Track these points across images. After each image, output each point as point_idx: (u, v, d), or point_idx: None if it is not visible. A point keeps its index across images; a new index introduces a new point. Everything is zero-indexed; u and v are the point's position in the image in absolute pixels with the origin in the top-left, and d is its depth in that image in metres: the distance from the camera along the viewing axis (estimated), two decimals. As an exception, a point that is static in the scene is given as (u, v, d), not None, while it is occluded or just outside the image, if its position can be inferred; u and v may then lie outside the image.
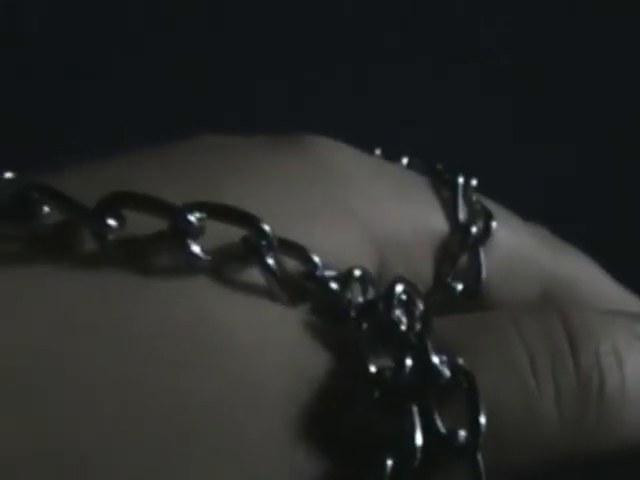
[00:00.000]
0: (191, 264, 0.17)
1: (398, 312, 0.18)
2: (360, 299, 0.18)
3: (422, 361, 0.17)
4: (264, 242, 0.17)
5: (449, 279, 0.21)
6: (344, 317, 0.18)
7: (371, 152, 0.23)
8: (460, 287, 0.20)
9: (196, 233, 0.17)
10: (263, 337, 0.17)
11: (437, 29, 0.46)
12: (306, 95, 0.45)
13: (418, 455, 0.16)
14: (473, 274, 0.20)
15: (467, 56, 0.44)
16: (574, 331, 0.18)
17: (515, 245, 0.21)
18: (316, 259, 0.18)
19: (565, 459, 0.18)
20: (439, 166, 0.22)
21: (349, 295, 0.18)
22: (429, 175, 0.22)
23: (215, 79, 0.46)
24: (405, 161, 0.23)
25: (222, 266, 0.17)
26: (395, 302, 0.18)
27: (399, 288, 0.18)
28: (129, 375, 0.16)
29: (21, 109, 0.46)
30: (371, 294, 0.18)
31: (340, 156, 0.20)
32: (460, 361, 0.17)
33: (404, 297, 0.18)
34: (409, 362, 0.17)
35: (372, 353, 0.17)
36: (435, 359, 0.17)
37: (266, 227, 0.17)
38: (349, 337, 0.17)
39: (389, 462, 0.16)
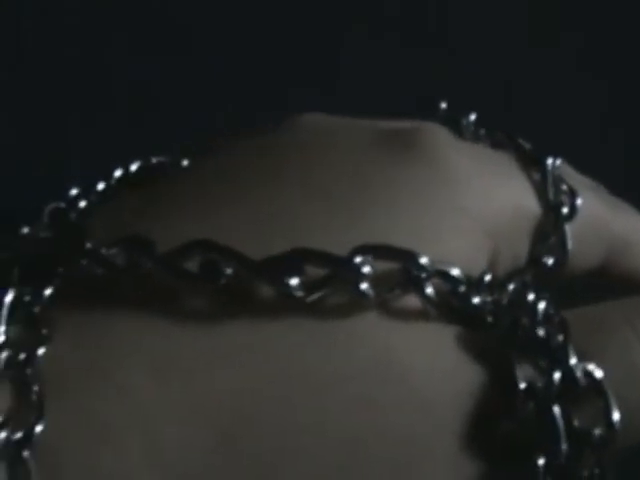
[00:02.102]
0: (360, 303, 0.18)
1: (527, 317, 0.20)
2: (488, 298, 0.20)
3: (564, 369, 0.19)
4: (423, 273, 0.19)
5: (542, 256, 0.22)
6: (482, 324, 0.19)
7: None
8: (551, 262, 0.22)
9: (365, 276, 0.18)
10: (430, 360, 0.19)
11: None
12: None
13: (564, 453, 0.18)
14: (561, 248, 0.22)
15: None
16: None
17: (589, 213, 0.22)
18: (459, 276, 0.19)
19: None
20: (525, 145, 0.23)
21: (483, 302, 0.20)
22: (514, 152, 0.23)
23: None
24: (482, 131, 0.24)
25: (385, 299, 0.19)
26: (539, 318, 0.19)
27: (542, 305, 0.20)
28: (331, 418, 0.18)
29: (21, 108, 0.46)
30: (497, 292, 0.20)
31: (444, 148, 0.21)
32: (591, 367, 0.19)
33: (541, 307, 0.20)
34: (557, 375, 0.19)
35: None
36: (579, 372, 0.19)
37: (425, 261, 0.18)
38: (494, 346, 0.19)
39: (540, 461, 0.18)
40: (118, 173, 0.23)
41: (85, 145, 0.45)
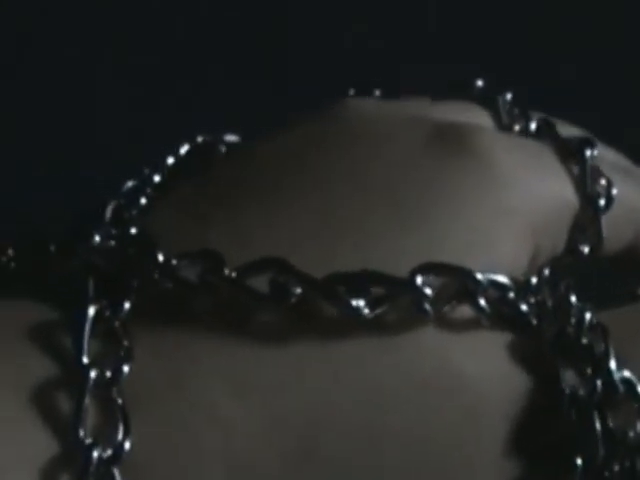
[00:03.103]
0: (420, 317, 0.19)
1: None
2: (532, 300, 0.21)
3: (605, 377, 0.20)
4: (477, 289, 0.20)
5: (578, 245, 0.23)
6: (529, 328, 0.20)
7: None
8: (587, 249, 0.22)
9: (426, 296, 0.19)
10: (483, 369, 0.20)
11: None
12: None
13: (602, 454, 0.20)
14: (596, 238, 0.23)
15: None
16: None
17: (622, 198, 0.23)
18: (508, 284, 0.20)
19: None
20: (562, 133, 0.24)
21: (530, 306, 0.21)
22: (552, 142, 0.23)
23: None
24: (533, 126, 0.25)
25: (442, 312, 0.20)
26: (584, 326, 0.20)
27: (588, 316, 0.21)
28: (397, 426, 0.19)
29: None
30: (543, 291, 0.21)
31: (493, 148, 0.22)
32: (628, 374, 0.20)
33: (587, 317, 0.21)
34: (599, 383, 0.20)
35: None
36: (617, 379, 0.20)
37: (480, 277, 0.19)
38: (540, 352, 0.20)
39: (579, 461, 0.20)
40: (170, 160, 0.23)
41: (85, 143, 0.45)
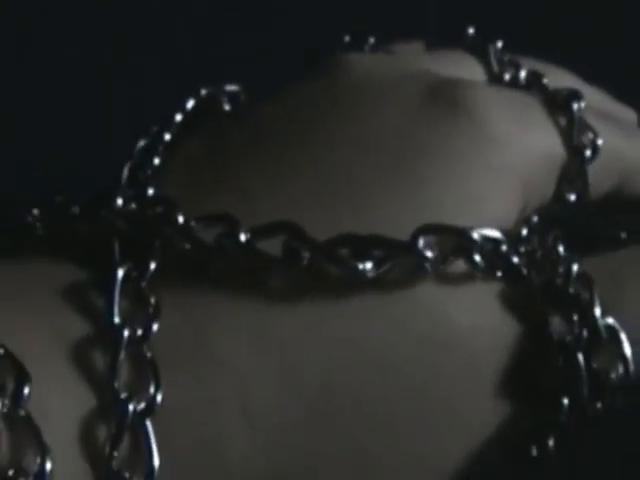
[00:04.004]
0: (420, 275, 0.21)
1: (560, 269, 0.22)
2: (522, 249, 0.22)
3: (590, 323, 0.21)
4: (473, 246, 0.21)
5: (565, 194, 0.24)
6: (519, 279, 0.22)
7: None
8: (573, 197, 0.23)
9: (426, 258, 0.20)
10: (478, 320, 0.21)
11: None
12: None
13: (586, 394, 0.21)
14: (583, 187, 0.23)
15: None
16: None
17: (607, 147, 0.24)
18: (501, 238, 0.21)
19: None
20: (551, 85, 0.24)
21: (520, 257, 0.22)
22: (541, 94, 0.24)
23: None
24: (523, 74, 0.25)
25: (439, 268, 0.21)
26: (572, 278, 0.22)
27: (575, 267, 0.22)
28: (401, 376, 0.20)
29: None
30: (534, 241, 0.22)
31: (486, 105, 0.22)
32: (611, 320, 0.21)
33: (574, 268, 0.22)
34: (585, 333, 0.21)
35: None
36: (601, 325, 0.21)
37: (476, 236, 0.21)
38: (530, 301, 0.21)
39: (565, 400, 0.21)
40: (178, 117, 0.24)
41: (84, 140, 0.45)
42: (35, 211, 0.22)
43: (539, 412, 0.22)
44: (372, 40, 0.26)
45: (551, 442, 0.22)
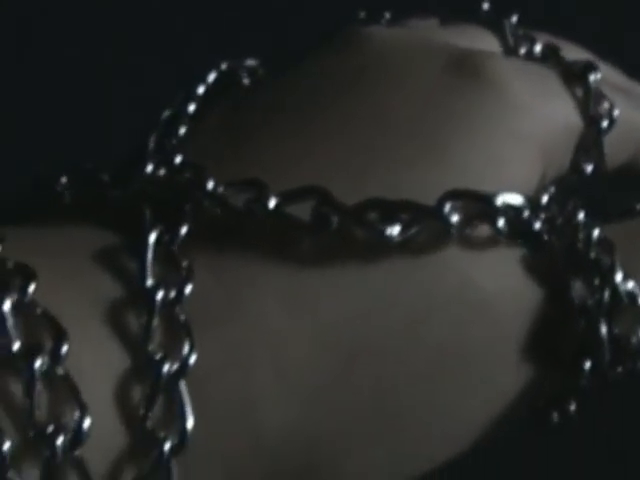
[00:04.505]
0: (445, 239, 0.21)
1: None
2: (542, 216, 0.22)
3: (611, 288, 0.22)
4: (497, 211, 0.21)
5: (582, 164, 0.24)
6: (541, 245, 0.22)
7: None
8: (590, 168, 0.24)
9: (451, 223, 0.21)
10: (501, 284, 0.21)
11: None
12: None
13: (607, 358, 0.21)
14: (599, 157, 0.24)
15: None
16: None
17: (623, 118, 0.24)
18: (523, 204, 0.21)
19: None
20: (566, 57, 0.25)
21: (542, 223, 0.22)
22: (557, 66, 0.25)
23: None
24: (538, 49, 0.26)
25: (464, 232, 0.21)
26: (593, 243, 0.22)
27: (596, 233, 0.22)
28: (426, 336, 0.21)
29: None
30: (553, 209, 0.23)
31: (506, 75, 0.23)
32: (631, 285, 0.22)
33: (595, 233, 0.22)
34: (606, 294, 0.21)
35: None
36: (622, 290, 0.22)
37: (500, 202, 0.21)
38: (552, 266, 0.22)
39: (586, 365, 0.22)
40: (201, 89, 0.24)
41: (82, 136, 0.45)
42: (63, 180, 0.22)
43: (561, 376, 0.22)
44: (388, 15, 0.26)
45: (572, 407, 0.23)
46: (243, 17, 0.48)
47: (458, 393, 0.21)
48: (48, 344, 0.18)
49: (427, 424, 0.21)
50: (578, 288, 0.22)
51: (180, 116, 0.23)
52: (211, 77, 0.25)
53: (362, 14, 0.26)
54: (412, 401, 0.21)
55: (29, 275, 0.19)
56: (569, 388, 0.22)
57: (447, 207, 0.21)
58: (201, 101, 0.24)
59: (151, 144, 0.22)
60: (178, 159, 0.21)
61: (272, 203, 0.20)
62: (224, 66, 0.25)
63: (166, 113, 0.23)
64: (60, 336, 0.18)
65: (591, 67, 0.24)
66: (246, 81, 0.25)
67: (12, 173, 0.44)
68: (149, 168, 0.21)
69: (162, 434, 0.19)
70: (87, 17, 0.48)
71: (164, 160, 0.21)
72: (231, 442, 0.20)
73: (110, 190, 0.21)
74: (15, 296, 0.18)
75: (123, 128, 0.44)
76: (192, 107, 0.24)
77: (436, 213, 0.21)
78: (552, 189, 0.23)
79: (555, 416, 0.23)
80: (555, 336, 0.22)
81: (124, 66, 0.47)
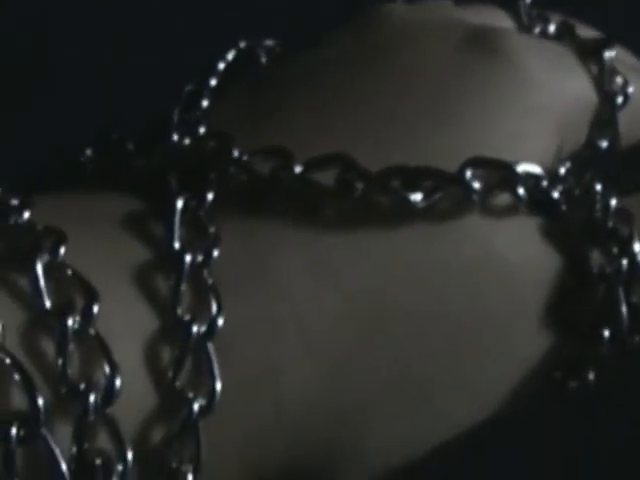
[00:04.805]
0: (466, 206, 0.21)
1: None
2: (560, 187, 0.22)
3: (629, 256, 0.22)
4: (517, 179, 0.21)
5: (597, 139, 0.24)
6: (559, 215, 0.22)
7: None
8: (605, 144, 0.24)
9: (473, 189, 0.21)
10: (521, 252, 0.22)
11: None
12: None
13: (625, 326, 0.22)
14: (614, 133, 0.24)
15: None
16: None
17: (637, 94, 0.25)
18: (542, 174, 0.22)
19: None
20: (580, 35, 0.25)
21: (560, 193, 0.22)
22: (572, 43, 0.25)
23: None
24: (551, 28, 0.26)
25: (485, 200, 0.21)
26: (611, 213, 0.22)
27: (613, 203, 0.22)
28: (448, 303, 0.21)
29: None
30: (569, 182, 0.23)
31: (522, 51, 0.23)
32: None
33: (613, 203, 0.22)
34: (625, 262, 0.22)
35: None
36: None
37: (519, 169, 0.21)
38: (570, 235, 0.22)
39: (605, 333, 0.22)
40: (221, 66, 0.25)
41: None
42: (88, 151, 0.22)
43: (579, 345, 0.22)
44: None
45: (591, 376, 0.23)
46: (243, 17, 0.48)
47: (478, 364, 0.21)
48: (79, 304, 0.19)
49: (448, 395, 0.21)
50: (596, 257, 0.22)
51: (202, 90, 0.24)
52: (230, 55, 0.25)
53: None
54: (433, 372, 0.21)
55: (60, 237, 0.19)
56: (588, 357, 0.23)
57: (468, 174, 0.21)
58: (222, 76, 0.24)
59: (175, 116, 0.23)
60: (202, 129, 0.22)
61: (297, 170, 0.21)
62: (243, 44, 0.26)
63: (188, 87, 0.24)
64: (91, 296, 0.19)
65: (605, 44, 0.25)
66: (264, 59, 0.26)
67: (12, 174, 0.44)
68: (175, 137, 0.22)
69: (191, 394, 0.19)
70: (87, 17, 0.48)
71: (189, 130, 0.22)
72: (253, 409, 0.20)
73: (135, 159, 0.22)
74: (46, 257, 0.19)
75: (123, 128, 0.44)
76: (213, 82, 0.24)
77: (458, 180, 0.21)
78: (568, 163, 0.23)
79: (574, 384, 0.23)
80: (573, 305, 0.22)
81: (124, 66, 0.47)
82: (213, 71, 0.24)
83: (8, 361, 0.18)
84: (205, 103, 0.23)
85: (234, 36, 0.46)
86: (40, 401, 0.17)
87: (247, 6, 0.48)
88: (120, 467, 0.18)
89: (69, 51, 0.47)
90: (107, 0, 0.48)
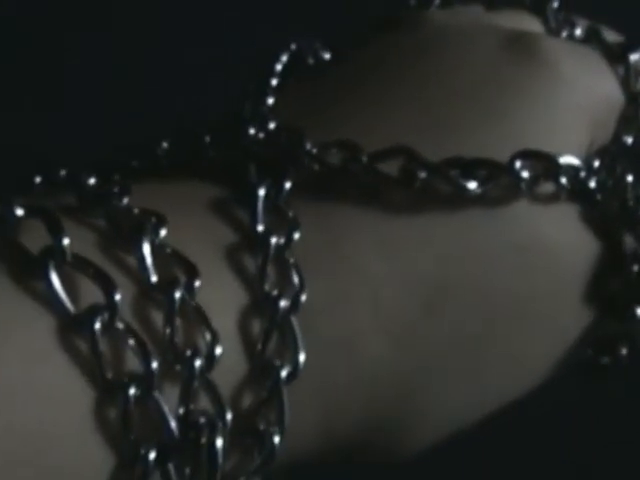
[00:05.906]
0: (516, 193, 0.24)
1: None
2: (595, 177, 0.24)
3: None
4: (560, 170, 0.24)
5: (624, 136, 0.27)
6: (596, 203, 0.24)
7: None
8: (630, 140, 0.26)
9: (523, 178, 0.23)
10: (564, 236, 0.24)
11: None
12: None
13: None
14: (638, 131, 0.26)
15: None
16: None
17: None
18: (580, 165, 0.24)
19: None
20: (608, 39, 0.28)
21: (595, 183, 0.24)
22: (599, 46, 0.27)
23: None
24: (578, 32, 0.29)
25: (532, 188, 0.24)
26: None
27: None
28: (501, 282, 0.23)
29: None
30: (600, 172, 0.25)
31: (557, 53, 0.25)
32: None
33: None
34: None
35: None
36: None
37: (562, 161, 0.23)
38: (606, 221, 0.24)
39: (639, 311, 0.24)
40: (278, 67, 0.27)
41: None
42: (164, 144, 0.24)
43: (615, 323, 0.25)
44: (437, 1, 0.29)
45: (624, 352, 0.25)
46: (243, 17, 0.48)
47: (525, 337, 0.24)
48: (182, 279, 0.20)
49: (498, 366, 0.24)
50: (629, 242, 0.24)
51: (265, 89, 0.26)
52: (284, 57, 0.27)
53: (413, 1, 0.29)
54: (486, 342, 0.23)
55: (160, 219, 0.21)
56: (622, 333, 0.25)
57: (518, 164, 0.23)
58: (280, 76, 0.26)
59: (247, 111, 0.25)
60: (272, 124, 0.24)
61: (364, 160, 0.23)
62: (293, 46, 0.28)
63: (251, 86, 0.26)
64: (193, 272, 0.20)
65: (631, 47, 0.27)
66: (310, 60, 0.28)
67: (13, 175, 0.44)
68: (251, 131, 0.24)
69: (278, 363, 0.21)
70: (87, 17, 0.48)
71: (260, 125, 0.24)
72: (333, 376, 0.22)
73: (210, 151, 0.24)
74: (149, 237, 0.20)
75: (123, 128, 0.44)
76: (275, 81, 0.26)
77: (509, 169, 0.23)
78: (600, 157, 0.25)
79: (607, 360, 0.25)
80: (610, 285, 0.24)
81: (124, 66, 0.47)
82: (271, 72, 0.26)
83: (122, 328, 0.19)
84: (270, 100, 0.25)
85: (234, 36, 0.46)
86: (154, 364, 0.19)
87: (247, 6, 0.48)
88: (221, 425, 0.20)
89: (69, 51, 0.47)
90: (107, 0, 0.48)
